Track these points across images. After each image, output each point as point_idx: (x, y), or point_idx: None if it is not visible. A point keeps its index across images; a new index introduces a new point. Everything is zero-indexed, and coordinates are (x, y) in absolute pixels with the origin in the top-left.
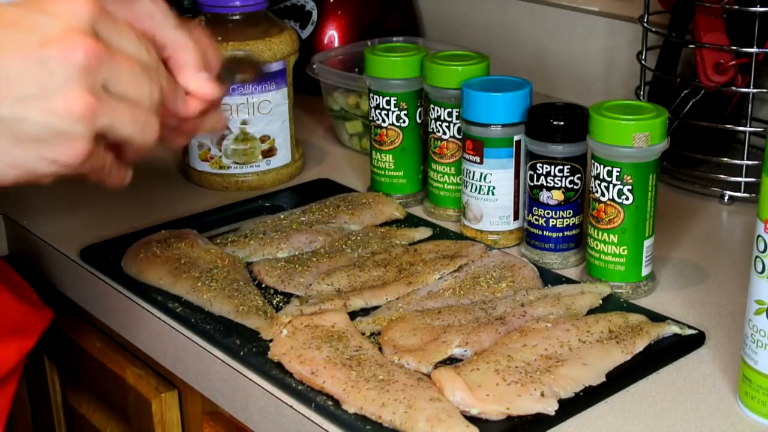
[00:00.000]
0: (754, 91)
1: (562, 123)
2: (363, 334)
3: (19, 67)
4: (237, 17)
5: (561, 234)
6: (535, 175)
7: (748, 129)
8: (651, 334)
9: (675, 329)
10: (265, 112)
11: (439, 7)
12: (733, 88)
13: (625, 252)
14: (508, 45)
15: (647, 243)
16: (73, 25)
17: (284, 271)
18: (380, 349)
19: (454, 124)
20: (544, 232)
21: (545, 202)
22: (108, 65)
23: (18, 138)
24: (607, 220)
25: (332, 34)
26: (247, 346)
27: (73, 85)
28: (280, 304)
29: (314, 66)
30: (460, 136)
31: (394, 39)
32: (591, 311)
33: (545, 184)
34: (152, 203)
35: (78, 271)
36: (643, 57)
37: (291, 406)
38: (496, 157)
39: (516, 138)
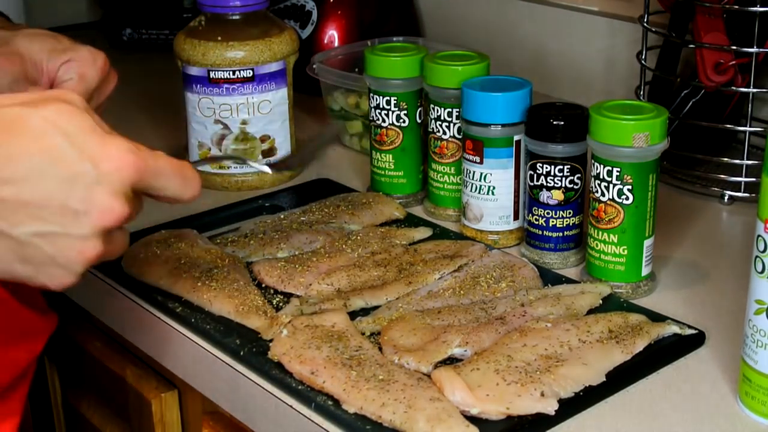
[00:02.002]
0: (754, 91)
1: (562, 123)
2: (363, 334)
3: (54, 202)
4: (237, 17)
5: (561, 234)
6: (535, 175)
7: (748, 129)
8: (651, 334)
9: (675, 329)
10: (265, 112)
11: (439, 7)
12: (733, 88)
13: (625, 252)
14: (508, 45)
15: (647, 243)
16: (115, 189)
17: (284, 271)
18: (380, 349)
19: (454, 124)
20: (544, 232)
21: (545, 202)
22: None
23: (22, 259)
24: (607, 220)
25: (332, 34)
26: (247, 346)
27: (92, 238)
28: (280, 304)
29: (314, 66)
30: (460, 136)
31: (394, 39)
32: (591, 311)
33: (545, 184)
34: (152, 203)
35: None
36: (643, 57)
37: (291, 406)
38: (496, 157)
39: (516, 138)
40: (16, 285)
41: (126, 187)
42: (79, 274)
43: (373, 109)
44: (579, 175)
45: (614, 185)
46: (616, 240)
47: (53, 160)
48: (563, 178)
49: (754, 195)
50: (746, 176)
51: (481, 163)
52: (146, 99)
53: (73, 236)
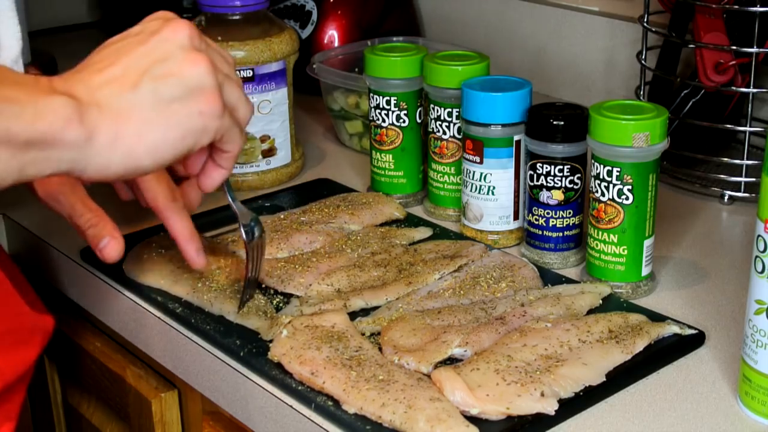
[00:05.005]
0: (754, 91)
1: (562, 123)
2: (363, 334)
3: (144, 55)
4: (237, 17)
5: (561, 234)
6: (535, 175)
7: (748, 129)
8: (651, 334)
9: (675, 329)
10: (265, 112)
11: (439, 7)
12: (733, 88)
13: (625, 252)
14: (508, 45)
15: (647, 243)
16: (184, 45)
17: (284, 271)
18: (380, 349)
19: (454, 124)
20: (544, 232)
21: (545, 202)
22: (206, 46)
23: (166, 101)
24: (607, 219)
25: (332, 34)
26: (247, 347)
27: (190, 50)
28: (280, 304)
29: (314, 66)
30: (460, 136)
31: (394, 39)
32: (591, 311)
33: (545, 184)
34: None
35: (78, 271)
36: (643, 57)
37: (291, 406)
38: (496, 157)
39: (516, 138)
40: (17, 279)
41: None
42: (215, 87)
43: (373, 109)
44: (579, 175)
45: (614, 185)
46: (616, 240)
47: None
48: (563, 178)
49: (754, 195)
50: (746, 176)
51: (481, 163)
52: None
53: (176, 60)
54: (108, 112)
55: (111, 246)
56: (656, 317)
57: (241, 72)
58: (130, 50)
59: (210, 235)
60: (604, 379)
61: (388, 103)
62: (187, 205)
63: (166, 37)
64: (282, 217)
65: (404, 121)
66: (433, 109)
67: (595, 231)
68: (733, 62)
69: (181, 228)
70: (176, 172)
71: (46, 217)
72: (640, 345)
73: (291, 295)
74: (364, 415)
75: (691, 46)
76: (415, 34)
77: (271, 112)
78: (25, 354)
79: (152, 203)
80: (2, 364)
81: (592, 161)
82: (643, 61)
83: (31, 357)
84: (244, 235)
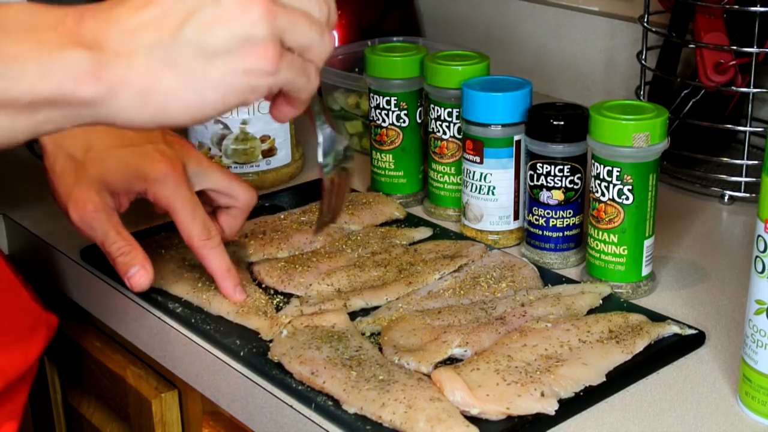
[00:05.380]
0: (754, 91)
1: (562, 123)
2: (363, 334)
3: None
4: None
5: (561, 234)
6: (535, 175)
7: (748, 129)
8: (651, 334)
9: (675, 329)
10: (265, 112)
11: (439, 7)
12: (733, 88)
13: (625, 252)
14: (508, 45)
15: (647, 243)
16: None
17: (284, 271)
18: (380, 349)
19: (454, 124)
20: (544, 232)
21: (545, 202)
22: None
23: (208, 54)
24: (607, 220)
25: (332, 34)
26: (247, 347)
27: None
28: (280, 304)
29: None
30: (460, 136)
31: (394, 39)
32: (591, 311)
33: (545, 184)
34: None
35: (78, 271)
36: (643, 57)
37: (291, 406)
38: (496, 157)
39: (516, 138)
40: (17, 278)
41: None
42: (270, 37)
43: (373, 109)
44: (579, 175)
45: (614, 185)
46: (616, 240)
47: None
48: (563, 178)
49: (754, 195)
50: (746, 176)
51: (481, 163)
52: None
53: (226, 3)
54: (139, 64)
55: (140, 275)
56: (656, 317)
57: None
58: None
59: None
60: (604, 379)
61: (388, 103)
62: (225, 235)
63: None
64: (282, 217)
65: (404, 121)
66: (433, 109)
67: (595, 231)
68: (733, 62)
69: (217, 265)
70: (213, 202)
71: (46, 217)
72: (640, 345)
73: (291, 295)
74: (364, 415)
75: (691, 46)
76: (415, 34)
77: None
78: (26, 352)
79: (187, 241)
80: (3, 361)
81: (592, 161)
82: (643, 61)
83: (33, 355)
84: (321, 159)
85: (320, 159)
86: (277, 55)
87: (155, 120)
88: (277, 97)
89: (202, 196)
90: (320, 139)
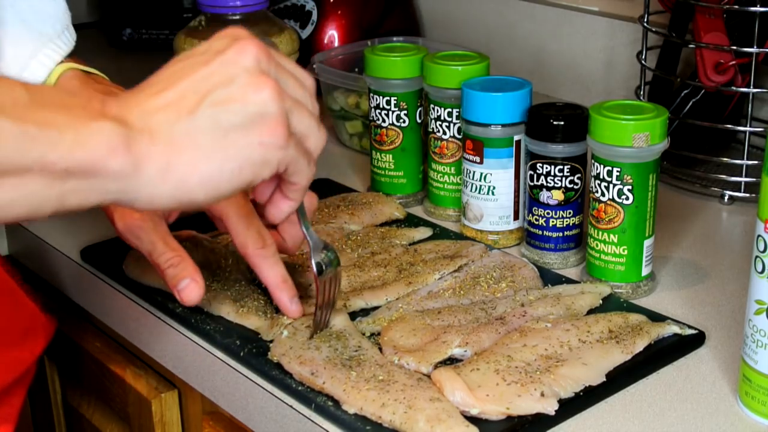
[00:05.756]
0: (754, 91)
1: (562, 123)
2: (363, 334)
3: (205, 78)
4: (237, 17)
5: (561, 234)
6: (535, 175)
7: (748, 129)
8: (651, 334)
9: (675, 329)
10: None
11: (439, 7)
12: (733, 88)
13: (625, 252)
14: (508, 45)
15: (647, 243)
16: (249, 67)
17: None
18: (380, 349)
19: (454, 124)
20: (544, 232)
21: (545, 202)
22: (276, 68)
23: (225, 130)
24: (607, 220)
25: (332, 34)
26: (247, 347)
27: (255, 73)
28: None
29: (314, 66)
30: (460, 136)
31: (394, 39)
32: (591, 311)
33: (545, 184)
34: None
35: (78, 272)
36: (643, 57)
37: (291, 406)
38: (496, 157)
39: (516, 138)
40: (15, 280)
41: (254, 63)
42: (280, 114)
43: (373, 109)
44: (579, 175)
45: (614, 185)
46: (616, 240)
47: (190, 58)
48: (563, 178)
49: (754, 195)
50: (746, 176)
51: (481, 163)
52: None
53: (238, 85)
54: (160, 140)
55: (190, 288)
56: (656, 317)
57: None
58: (192, 72)
59: (211, 235)
60: (604, 379)
61: (388, 103)
62: (288, 245)
63: (231, 59)
64: None
65: (404, 121)
66: (433, 109)
67: (595, 231)
68: (733, 62)
69: (272, 276)
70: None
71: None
72: (640, 345)
73: None
74: (364, 415)
75: (691, 46)
76: (415, 34)
77: None
78: (21, 354)
79: (241, 250)
80: (5, 359)
81: (592, 161)
82: (643, 61)
83: (29, 358)
84: (314, 268)
85: (312, 262)
86: (288, 130)
87: (175, 196)
88: (273, 192)
89: (257, 207)
90: (310, 245)
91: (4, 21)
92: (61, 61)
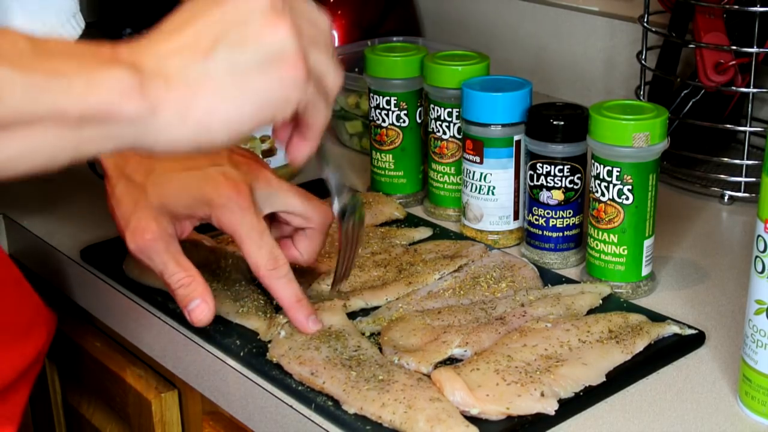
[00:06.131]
0: (754, 91)
1: (562, 123)
2: (363, 334)
3: (219, 20)
4: None
5: (561, 234)
6: (535, 175)
7: (748, 129)
8: (651, 334)
9: (675, 329)
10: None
11: (439, 7)
12: (733, 88)
13: (625, 252)
14: (508, 45)
15: (647, 243)
16: (263, 7)
17: None
18: (380, 349)
19: (454, 124)
20: (544, 232)
21: (545, 202)
22: (291, 7)
23: (243, 70)
24: (607, 219)
25: (332, 34)
26: (248, 347)
27: (271, 13)
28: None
29: None
30: (460, 136)
31: (394, 39)
32: (591, 311)
33: (545, 184)
34: None
35: (78, 271)
36: (643, 57)
37: (291, 406)
38: (496, 157)
39: (516, 138)
40: (16, 277)
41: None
42: (298, 50)
43: (373, 109)
44: (579, 175)
45: (614, 185)
46: (616, 240)
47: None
48: (563, 178)
49: (754, 195)
50: (746, 176)
51: (481, 163)
52: None
53: (254, 26)
54: (177, 83)
55: (201, 309)
56: (656, 317)
57: None
58: (205, 14)
59: (211, 235)
60: (604, 379)
61: (388, 103)
62: (304, 259)
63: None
64: None
65: (404, 121)
66: (433, 109)
67: (595, 231)
68: (733, 62)
69: (286, 297)
70: (287, 224)
71: (46, 217)
72: (640, 345)
73: None
74: (364, 415)
75: (691, 46)
76: (415, 34)
77: None
78: (25, 348)
79: (254, 271)
80: (7, 355)
81: (592, 161)
82: (643, 61)
83: (32, 352)
84: (336, 212)
85: (335, 206)
86: (307, 67)
87: (196, 139)
88: (291, 134)
89: (274, 218)
90: (333, 186)
91: (8, 11)
92: None
